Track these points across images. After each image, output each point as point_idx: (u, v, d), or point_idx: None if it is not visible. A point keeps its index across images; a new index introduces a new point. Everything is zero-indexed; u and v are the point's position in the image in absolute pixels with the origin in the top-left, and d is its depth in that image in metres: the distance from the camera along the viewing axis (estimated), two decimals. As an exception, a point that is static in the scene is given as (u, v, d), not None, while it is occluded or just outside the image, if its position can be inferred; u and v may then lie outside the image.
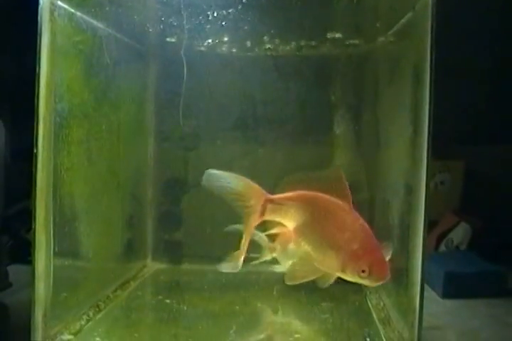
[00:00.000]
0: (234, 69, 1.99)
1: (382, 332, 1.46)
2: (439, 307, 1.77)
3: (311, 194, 1.36)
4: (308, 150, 2.03)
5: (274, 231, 1.56)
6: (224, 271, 1.50)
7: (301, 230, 1.38)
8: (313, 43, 1.92)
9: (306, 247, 1.36)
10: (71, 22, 1.44)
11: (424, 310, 1.26)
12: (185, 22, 1.71)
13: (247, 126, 2.02)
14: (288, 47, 1.95)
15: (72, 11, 1.44)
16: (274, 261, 1.76)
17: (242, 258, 1.48)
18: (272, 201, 1.39)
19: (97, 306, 1.61)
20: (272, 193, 1.42)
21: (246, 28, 1.77)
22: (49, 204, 1.35)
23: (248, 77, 1.99)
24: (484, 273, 1.91)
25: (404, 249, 1.38)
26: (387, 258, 1.29)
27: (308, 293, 1.68)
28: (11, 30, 2.12)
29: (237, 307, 1.65)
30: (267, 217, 1.42)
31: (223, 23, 1.74)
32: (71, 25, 1.44)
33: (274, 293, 1.78)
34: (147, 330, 1.53)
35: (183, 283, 2.02)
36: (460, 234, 2.25)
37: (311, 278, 1.34)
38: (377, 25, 1.74)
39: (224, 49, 1.95)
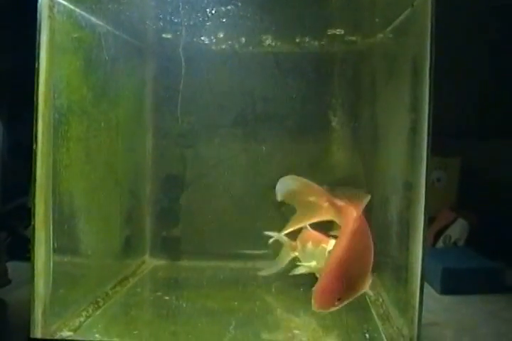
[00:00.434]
0: (233, 66, 1.99)
1: (381, 328, 1.46)
2: (437, 304, 1.77)
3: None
4: (307, 147, 2.03)
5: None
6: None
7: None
8: (312, 40, 1.92)
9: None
10: (70, 19, 1.44)
11: (423, 306, 1.26)
12: (184, 19, 1.71)
13: (246, 123, 2.02)
14: (287, 44, 1.95)
15: (71, 7, 1.44)
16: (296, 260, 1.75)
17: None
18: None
19: (96, 303, 1.61)
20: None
21: (245, 24, 1.77)
22: (48, 201, 1.35)
23: (247, 73, 1.99)
24: (482, 270, 1.92)
25: (403, 246, 1.38)
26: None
27: (306, 290, 1.67)
28: (9, 27, 2.11)
29: (236, 303, 1.66)
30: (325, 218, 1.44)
31: (222, 20, 1.73)
32: (70, 21, 1.44)
33: (273, 289, 1.78)
34: (146, 327, 1.53)
35: (181, 279, 2.02)
36: (457, 230, 2.25)
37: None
38: (376, 21, 1.73)
39: (223, 45, 1.95)
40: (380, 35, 1.78)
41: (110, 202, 1.78)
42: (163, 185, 2.10)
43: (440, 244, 2.29)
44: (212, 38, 1.90)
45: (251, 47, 1.96)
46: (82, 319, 1.49)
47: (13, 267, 1.83)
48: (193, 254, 2.10)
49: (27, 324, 1.32)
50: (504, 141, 2.35)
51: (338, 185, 1.50)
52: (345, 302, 1.25)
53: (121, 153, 1.83)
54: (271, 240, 1.76)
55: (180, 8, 1.66)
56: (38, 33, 1.31)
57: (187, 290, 1.84)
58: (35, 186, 1.31)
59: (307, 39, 1.92)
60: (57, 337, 1.37)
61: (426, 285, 1.28)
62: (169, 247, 2.10)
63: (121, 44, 1.80)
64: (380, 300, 1.64)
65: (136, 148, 2.03)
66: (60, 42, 1.38)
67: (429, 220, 1.50)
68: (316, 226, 1.66)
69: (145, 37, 1.97)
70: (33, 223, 1.32)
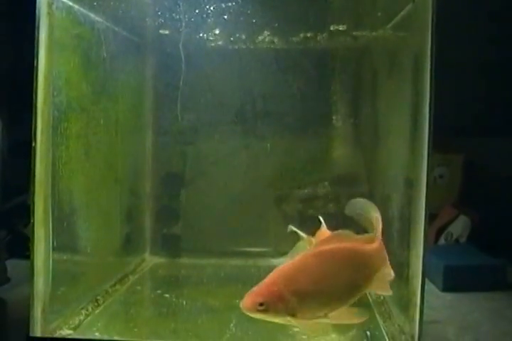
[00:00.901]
0: (233, 63, 1.98)
1: (382, 325, 1.46)
2: (438, 301, 1.77)
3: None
4: (307, 143, 2.02)
5: None
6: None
7: None
8: (312, 36, 1.91)
9: None
10: (69, 15, 1.43)
11: (424, 304, 1.25)
12: (183, 15, 1.71)
13: (246, 120, 2.01)
14: (288, 40, 1.94)
15: (70, 4, 1.43)
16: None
17: None
18: None
19: (96, 301, 1.60)
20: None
21: (245, 20, 1.76)
22: (48, 199, 1.34)
23: (248, 70, 1.99)
24: (484, 267, 1.91)
25: (404, 243, 1.38)
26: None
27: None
28: (8, 24, 2.11)
29: (237, 301, 1.64)
30: None
31: (223, 16, 1.73)
32: (69, 18, 1.43)
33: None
34: (146, 325, 1.52)
35: (181, 277, 2.01)
36: (459, 227, 2.24)
37: None
38: (377, 17, 1.73)
39: (223, 42, 1.94)
40: (381, 31, 1.78)
41: (110, 200, 1.77)
42: (163, 182, 2.10)
43: (442, 240, 2.28)
44: (212, 34, 1.90)
45: (251, 44, 1.95)
46: (81, 317, 1.49)
47: (12, 265, 1.82)
48: (194, 252, 2.10)
49: (26, 322, 1.32)
50: (507, 138, 2.34)
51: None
52: (276, 314, 1.17)
53: (121, 150, 1.82)
54: (290, 229, 1.73)
55: (180, 4, 1.65)
56: (36, 29, 1.30)
57: (187, 288, 1.84)
58: (34, 184, 1.30)
59: (307, 35, 1.91)
60: (56, 335, 1.36)
61: (427, 282, 1.28)
62: (169, 245, 2.10)
63: (121, 40, 1.79)
64: (382, 297, 1.63)
65: (136, 145, 2.02)
66: (59, 38, 1.37)
67: (431, 217, 1.50)
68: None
69: (145, 33, 1.97)
70: (32, 221, 1.31)
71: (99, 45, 1.61)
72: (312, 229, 1.66)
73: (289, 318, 1.17)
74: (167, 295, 1.70)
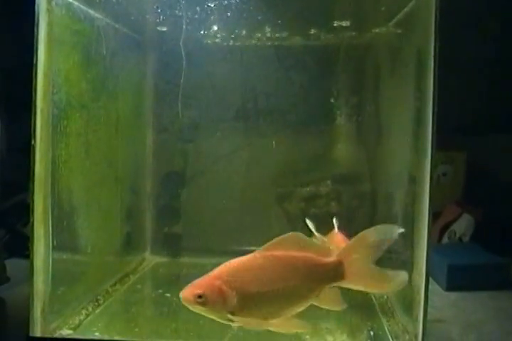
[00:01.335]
0: (235, 60, 1.98)
1: (385, 325, 1.45)
2: (442, 300, 1.76)
3: None
4: (310, 141, 2.01)
5: None
6: None
7: None
8: (315, 33, 1.91)
9: None
10: (68, 12, 1.43)
11: (428, 303, 1.25)
12: (184, 12, 1.70)
13: (247, 117, 2.01)
14: (290, 37, 1.93)
15: (70, 0, 1.42)
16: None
17: None
18: None
19: (96, 300, 1.60)
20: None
21: (247, 17, 1.75)
22: (47, 197, 1.34)
23: (249, 67, 1.98)
24: (488, 265, 1.90)
25: (408, 241, 1.37)
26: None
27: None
28: (7, 21, 2.10)
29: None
30: None
31: (224, 13, 1.72)
32: (68, 15, 1.43)
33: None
34: (147, 324, 1.52)
35: (182, 276, 2.00)
36: (463, 225, 2.23)
37: None
38: (380, 14, 1.72)
39: (224, 39, 1.94)
40: (384, 28, 1.77)
41: (110, 198, 1.77)
42: (164, 180, 2.09)
43: (445, 239, 2.27)
44: (213, 31, 1.89)
45: (252, 40, 1.95)
46: (82, 317, 1.48)
47: (12, 264, 1.81)
48: (194, 251, 2.09)
49: (26, 322, 1.31)
50: (511, 136, 2.33)
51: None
52: (214, 309, 1.15)
53: (121, 148, 1.82)
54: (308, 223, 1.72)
55: (180, 1, 1.65)
56: (36, 26, 1.30)
57: (188, 288, 1.83)
58: (33, 182, 1.30)
59: (310, 32, 1.91)
60: (56, 335, 1.36)
61: (431, 281, 1.27)
62: (170, 244, 2.09)
63: (121, 37, 1.78)
64: (385, 296, 1.63)
65: (136, 143, 2.02)
66: (58, 35, 1.36)
67: (435, 215, 1.49)
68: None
69: (145, 30, 1.96)
70: (31, 220, 1.30)
71: (99, 42, 1.61)
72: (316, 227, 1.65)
73: (229, 316, 1.15)
74: (168, 295, 1.69)
